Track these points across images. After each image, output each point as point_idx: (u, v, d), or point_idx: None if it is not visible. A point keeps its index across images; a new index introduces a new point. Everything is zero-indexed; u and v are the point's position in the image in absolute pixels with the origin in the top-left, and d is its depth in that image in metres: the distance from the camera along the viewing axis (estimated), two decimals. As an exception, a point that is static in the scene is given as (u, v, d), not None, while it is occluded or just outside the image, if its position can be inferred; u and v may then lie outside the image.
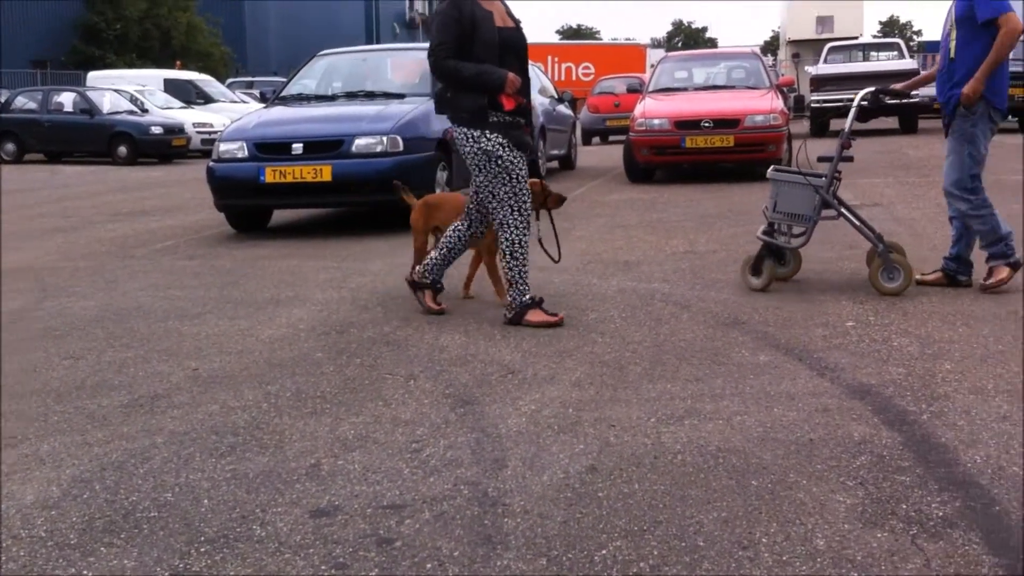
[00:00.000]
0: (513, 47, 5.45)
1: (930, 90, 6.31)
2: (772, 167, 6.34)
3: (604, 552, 2.79)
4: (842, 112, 22.46)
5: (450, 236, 5.75)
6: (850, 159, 6.17)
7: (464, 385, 4.39)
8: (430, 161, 9.31)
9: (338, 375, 4.61)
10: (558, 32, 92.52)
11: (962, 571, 2.62)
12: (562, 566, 2.73)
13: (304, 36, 44.10)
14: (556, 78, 43.13)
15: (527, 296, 5.46)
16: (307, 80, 10.97)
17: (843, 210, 6.09)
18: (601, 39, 76.61)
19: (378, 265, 7.53)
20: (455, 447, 3.64)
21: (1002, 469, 3.26)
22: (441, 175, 9.54)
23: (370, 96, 10.27)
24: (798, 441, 3.58)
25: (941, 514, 2.95)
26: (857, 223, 6.10)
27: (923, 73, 6.35)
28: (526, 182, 5.42)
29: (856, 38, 37.31)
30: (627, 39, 62.19)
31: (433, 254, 5.78)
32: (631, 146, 13.67)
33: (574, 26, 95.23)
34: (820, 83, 23.23)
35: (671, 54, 19.53)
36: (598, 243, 8.29)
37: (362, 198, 9.23)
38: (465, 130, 5.37)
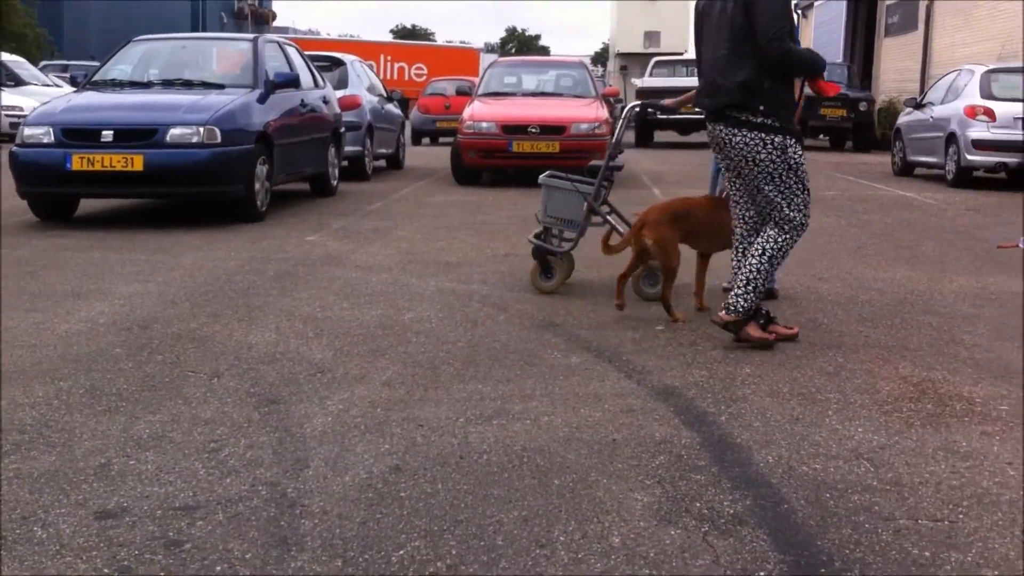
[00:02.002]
0: None
1: None
2: (546, 172, 6.42)
3: (402, 552, 2.76)
4: (666, 124, 23.14)
5: (738, 258, 5.13)
6: (619, 168, 6.36)
7: (271, 384, 4.28)
8: (249, 154, 9.07)
9: (137, 372, 4.42)
10: (392, 32, 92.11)
11: (749, 567, 2.69)
12: (358, 567, 2.68)
13: (126, 20, 42.46)
14: (389, 77, 43.00)
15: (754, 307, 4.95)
16: (122, 66, 10.53)
17: (610, 218, 6.25)
18: (435, 41, 76.67)
19: (189, 259, 7.28)
20: (256, 447, 3.53)
21: (792, 469, 3.38)
22: (261, 169, 9.31)
23: (188, 85, 9.95)
24: (602, 441, 3.63)
25: (732, 512, 3.03)
26: (622, 232, 6.25)
27: (693, 91, 6.50)
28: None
29: (681, 54, 38.47)
30: (462, 42, 62.46)
31: (740, 273, 4.95)
32: (459, 148, 13.71)
33: (408, 26, 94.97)
34: (645, 96, 23.84)
35: (501, 59, 19.71)
36: (420, 243, 8.26)
37: (176, 190, 8.91)
38: (765, 136, 4.77)
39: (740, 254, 5.14)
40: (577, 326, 5.41)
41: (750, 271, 4.89)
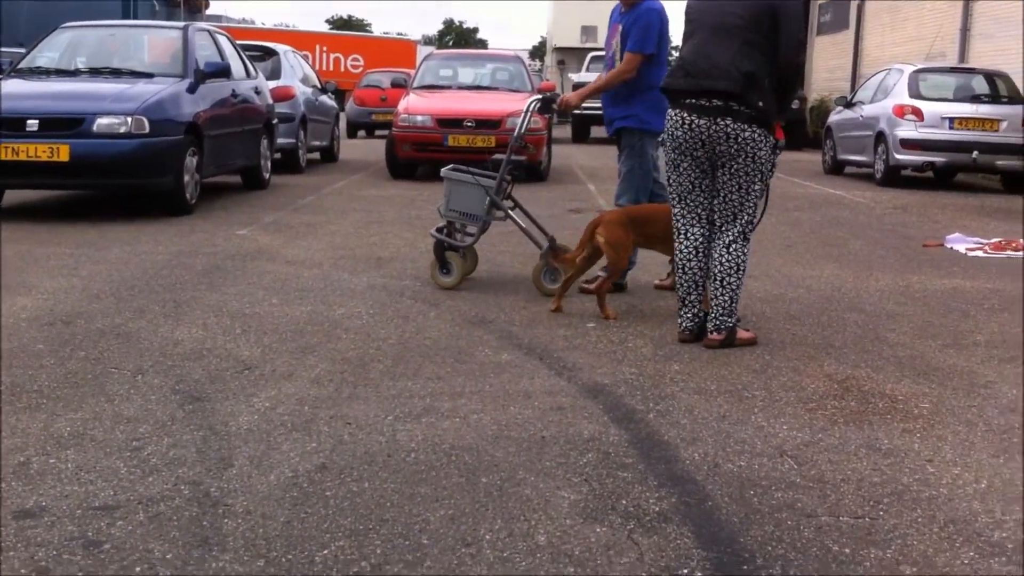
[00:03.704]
0: None
1: None
2: (449, 166, 6.38)
3: (326, 552, 2.73)
4: (602, 119, 23.22)
5: (700, 258, 5.04)
6: (521, 162, 6.38)
7: (196, 381, 4.21)
8: (178, 145, 8.93)
9: (59, 368, 4.33)
10: (328, 22, 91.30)
11: (672, 564, 2.71)
12: (281, 567, 2.65)
13: (56, 6, 41.52)
14: (324, 68, 42.58)
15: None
16: (49, 53, 10.29)
17: (511, 212, 6.26)
18: (372, 32, 76.14)
19: (116, 252, 7.15)
20: (179, 445, 3.48)
21: (718, 466, 3.41)
22: (191, 161, 9.17)
23: (116, 73, 9.75)
24: (530, 439, 3.63)
25: (658, 509, 3.05)
26: (524, 225, 6.28)
27: (591, 84, 6.51)
28: None
29: (617, 49, 38.57)
30: (399, 34, 62.16)
31: (717, 294, 4.94)
32: (393, 141, 13.63)
33: (345, 17, 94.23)
34: (582, 90, 23.89)
35: (436, 52, 19.67)
36: (352, 238, 8.20)
37: (102, 181, 8.75)
38: (767, 134, 4.85)
39: (701, 256, 5.03)
40: (509, 323, 5.41)
41: (729, 290, 4.92)
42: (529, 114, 6.43)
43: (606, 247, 5.55)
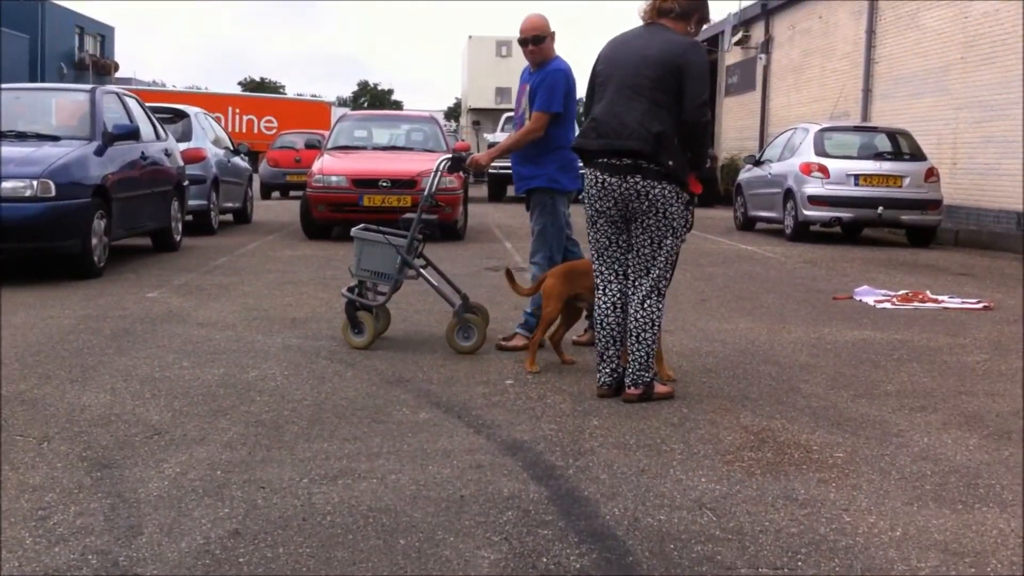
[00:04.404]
0: None
1: None
2: (359, 226, 6.39)
3: (239, 622, 2.65)
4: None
5: (618, 313, 5.06)
6: (433, 221, 6.39)
7: (104, 447, 4.09)
8: (86, 208, 8.76)
9: (-41, 437, 4.17)
10: (240, 84, 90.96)
11: (595, 622, 2.68)
12: (192, 639, 2.56)
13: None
14: (237, 130, 42.40)
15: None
16: (-47, 117, 10.05)
17: (423, 271, 6.27)
18: (286, 94, 76.05)
19: (21, 318, 6.94)
20: (87, 513, 3.36)
21: (638, 521, 3.40)
22: (98, 223, 9.00)
23: (22, 137, 9.56)
24: (449, 498, 3.58)
25: (578, 566, 3.02)
26: (435, 284, 6.29)
27: (501, 143, 6.63)
28: None
29: (531, 109, 39.07)
30: (313, 96, 62.20)
31: (634, 349, 4.97)
32: (308, 202, 13.57)
33: (257, 79, 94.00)
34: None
35: (351, 113, 19.71)
36: (266, 299, 8.09)
37: (8, 245, 8.51)
38: (679, 190, 4.92)
39: (619, 311, 5.07)
40: (427, 381, 5.37)
41: (645, 346, 4.96)
42: (438, 174, 6.43)
43: (543, 295, 5.70)
